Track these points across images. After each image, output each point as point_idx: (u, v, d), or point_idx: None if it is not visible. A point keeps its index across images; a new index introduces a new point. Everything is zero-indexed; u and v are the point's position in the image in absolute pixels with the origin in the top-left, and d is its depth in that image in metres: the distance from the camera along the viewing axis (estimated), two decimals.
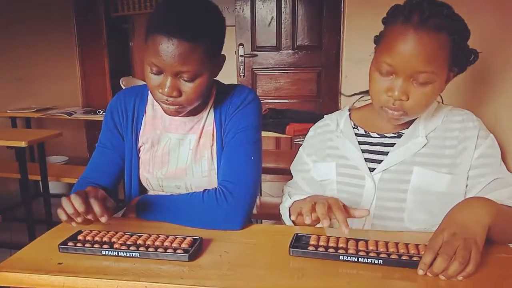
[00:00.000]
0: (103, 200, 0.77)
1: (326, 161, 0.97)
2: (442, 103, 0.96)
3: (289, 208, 0.96)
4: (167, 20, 0.80)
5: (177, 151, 0.97)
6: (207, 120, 0.97)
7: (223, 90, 0.98)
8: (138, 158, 0.99)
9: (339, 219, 0.72)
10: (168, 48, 0.78)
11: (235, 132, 0.93)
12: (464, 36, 0.81)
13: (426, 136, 0.88)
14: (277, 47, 3.24)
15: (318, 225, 0.78)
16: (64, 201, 0.74)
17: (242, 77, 3.31)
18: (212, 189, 0.90)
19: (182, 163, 0.97)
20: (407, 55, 0.77)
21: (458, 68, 0.84)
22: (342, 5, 2.28)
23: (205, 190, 0.90)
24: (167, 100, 0.84)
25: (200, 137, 0.96)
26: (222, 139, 0.95)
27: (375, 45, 0.87)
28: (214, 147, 0.96)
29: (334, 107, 2.90)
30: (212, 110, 0.97)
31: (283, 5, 3.17)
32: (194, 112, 0.95)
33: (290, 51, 3.23)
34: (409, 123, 0.90)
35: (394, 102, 0.81)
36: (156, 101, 0.88)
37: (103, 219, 0.74)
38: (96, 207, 0.73)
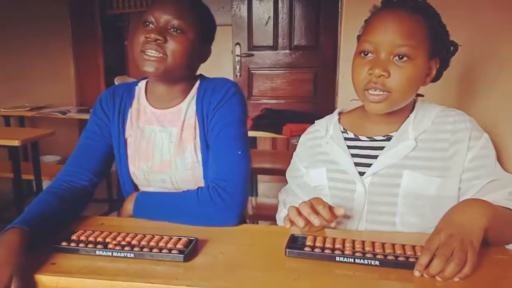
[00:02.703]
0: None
1: (317, 167, 0.96)
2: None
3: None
4: None
5: (160, 144, 0.98)
6: (188, 112, 0.97)
7: (205, 83, 0.99)
8: (127, 150, 1.00)
9: (322, 214, 0.77)
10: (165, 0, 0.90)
11: (220, 128, 0.93)
12: (441, 25, 0.85)
13: (415, 139, 0.87)
14: (274, 47, 3.24)
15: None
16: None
17: (238, 76, 3.31)
18: (205, 187, 0.90)
19: (166, 156, 0.97)
20: (386, 31, 0.81)
21: (440, 59, 0.86)
22: (339, 5, 2.28)
23: (198, 188, 0.90)
24: (150, 48, 0.87)
25: (182, 130, 0.97)
26: (204, 132, 0.96)
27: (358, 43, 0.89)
28: (197, 140, 0.97)
29: (330, 107, 2.90)
30: (193, 102, 0.98)
31: (280, 5, 3.17)
32: (173, 102, 0.98)
33: (287, 51, 3.23)
34: (398, 124, 0.89)
35: (376, 80, 0.81)
36: (139, 55, 0.90)
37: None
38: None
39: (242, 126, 0.95)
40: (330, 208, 0.80)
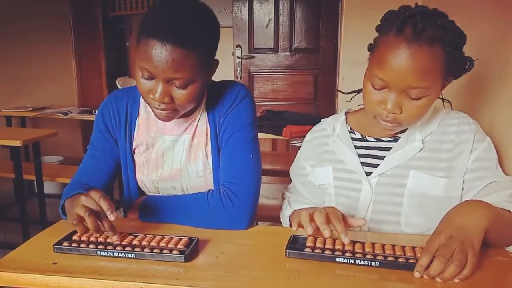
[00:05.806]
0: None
1: (323, 165, 0.97)
2: (444, 106, 0.96)
3: (289, 216, 0.96)
4: (161, 25, 0.77)
5: (172, 153, 0.96)
6: (200, 119, 0.96)
7: (214, 88, 0.96)
8: (133, 160, 0.98)
9: (338, 229, 0.73)
10: (161, 54, 0.75)
11: (231, 131, 0.92)
12: (459, 45, 0.79)
13: (422, 140, 0.88)
14: (275, 49, 3.25)
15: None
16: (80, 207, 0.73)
17: (239, 78, 3.31)
18: (216, 190, 0.89)
19: (176, 164, 0.96)
20: (399, 70, 0.75)
21: (454, 76, 0.84)
22: (339, 8, 2.29)
23: (209, 191, 0.89)
24: (158, 106, 0.82)
25: (193, 137, 0.95)
26: (216, 138, 0.95)
27: (369, 53, 0.86)
28: (209, 147, 0.95)
29: (331, 109, 2.91)
30: (204, 109, 0.96)
31: (280, 7, 3.17)
32: (187, 114, 0.94)
33: (287, 53, 3.24)
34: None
35: (388, 115, 0.81)
36: (148, 104, 0.87)
37: (112, 217, 0.73)
38: (104, 204, 0.73)
39: (253, 130, 0.94)
40: (344, 218, 0.78)
